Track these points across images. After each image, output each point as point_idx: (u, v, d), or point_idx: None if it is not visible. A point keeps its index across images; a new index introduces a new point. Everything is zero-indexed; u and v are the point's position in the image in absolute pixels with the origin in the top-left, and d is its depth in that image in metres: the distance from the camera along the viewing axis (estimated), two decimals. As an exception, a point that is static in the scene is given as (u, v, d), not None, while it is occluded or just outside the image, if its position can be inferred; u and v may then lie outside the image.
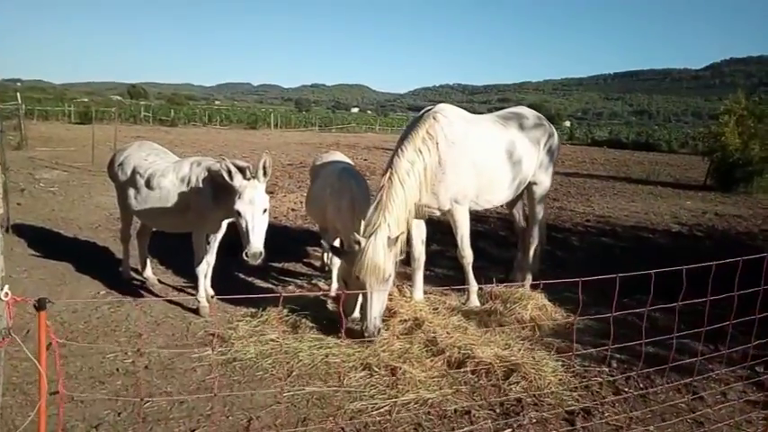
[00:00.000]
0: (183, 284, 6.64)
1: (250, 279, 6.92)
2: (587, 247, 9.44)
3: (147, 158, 5.95)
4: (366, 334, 4.88)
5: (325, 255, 7.42)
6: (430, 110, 5.62)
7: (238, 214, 4.93)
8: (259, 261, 4.92)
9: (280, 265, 7.51)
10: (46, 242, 7.99)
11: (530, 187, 6.53)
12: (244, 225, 4.90)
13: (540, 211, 6.71)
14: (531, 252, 6.77)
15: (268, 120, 62.26)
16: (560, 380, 4.53)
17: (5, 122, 14.77)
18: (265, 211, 5.00)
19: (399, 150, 5.32)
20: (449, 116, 5.56)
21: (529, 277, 6.66)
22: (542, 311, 5.75)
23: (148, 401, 3.97)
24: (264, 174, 5.03)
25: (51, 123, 45.67)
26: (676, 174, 25.47)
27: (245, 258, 4.86)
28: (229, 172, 4.97)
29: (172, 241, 7.01)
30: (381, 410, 3.99)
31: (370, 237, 4.93)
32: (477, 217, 9.96)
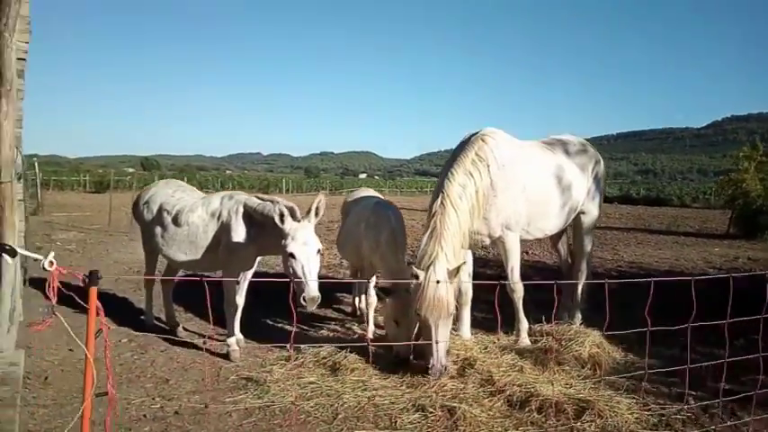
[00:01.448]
0: (211, 332, 6.22)
1: (279, 325, 6.51)
2: (623, 290, 8.97)
3: (173, 195, 5.71)
4: (431, 373, 4.47)
5: (356, 299, 7.02)
6: (476, 133, 5.38)
7: (292, 256, 4.59)
8: (314, 307, 4.57)
9: (308, 312, 7.09)
10: (64, 297, 7.62)
11: (578, 217, 6.20)
12: (299, 268, 4.57)
13: (588, 243, 6.35)
14: (580, 289, 6.34)
15: (280, 185, 62.84)
16: (637, 418, 4.05)
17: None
18: (319, 251, 4.69)
19: (449, 174, 5.04)
20: (497, 138, 5.32)
21: (578, 315, 6.21)
22: (601, 349, 5.29)
23: (182, 448, 3.53)
24: (316, 214, 4.76)
25: (66, 193, 46.13)
26: (696, 225, 25.00)
27: (303, 304, 4.50)
28: (281, 215, 4.68)
29: (197, 288, 6.65)
30: (445, 455, 3.52)
31: (428, 269, 4.59)
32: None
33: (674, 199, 49.35)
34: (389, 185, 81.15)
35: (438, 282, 4.45)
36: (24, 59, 4.95)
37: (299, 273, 4.53)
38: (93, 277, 1.77)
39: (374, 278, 5.73)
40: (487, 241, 5.46)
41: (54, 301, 1.77)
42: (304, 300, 4.47)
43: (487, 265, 10.51)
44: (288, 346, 4.87)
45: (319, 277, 4.75)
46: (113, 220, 17.45)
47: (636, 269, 11.38)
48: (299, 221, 4.67)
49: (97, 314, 1.94)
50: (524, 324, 5.57)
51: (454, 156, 5.28)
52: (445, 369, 4.51)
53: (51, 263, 1.73)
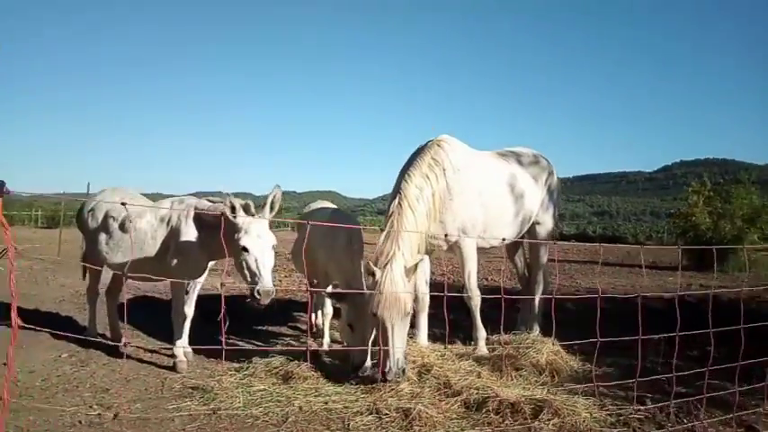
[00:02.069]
0: (158, 347, 5.93)
1: (230, 340, 6.25)
2: (582, 310, 9.04)
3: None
4: (389, 378, 4.31)
5: (313, 315, 6.84)
6: (432, 140, 5.41)
7: (245, 250, 4.39)
8: (268, 300, 4.35)
9: (264, 328, 6.87)
10: (2, 313, 7.20)
11: (533, 228, 6.25)
12: (252, 261, 4.37)
13: (543, 254, 6.38)
14: (537, 300, 6.34)
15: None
16: (594, 417, 3.99)
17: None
18: (274, 247, 4.54)
19: (406, 176, 5.03)
20: (452, 144, 5.37)
21: (536, 327, 6.18)
22: (558, 357, 5.25)
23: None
24: (271, 209, 4.62)
25: (16, 227, 44.29)
26: (650, 258, 25.62)
27: (256, 297, 4.28)
28: (233, 208, 4.51)
29: (144, 305, 6.39)
30: (398, 453, 3.37)
31: (385, 266, 4.50)
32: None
33: (629, 237, 50.71)
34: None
35: (394, 279, 4.36)
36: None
37: (253, 266, 4.35)
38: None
39: (329, 288, 5.60)
40: (444, 247, 5.43)
41: None
42: (258, 293, 4.26)
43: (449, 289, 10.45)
44: (238, 359, 4.65)
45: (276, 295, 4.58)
46: (63, 252, 16.78)
47: (593, 293, 11.49)
48: (252, 215, 4.53)
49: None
50: (482, 333, 5.51)
51: (410, 160, 5.29)
52: (403, 372, 4.37)
53: None
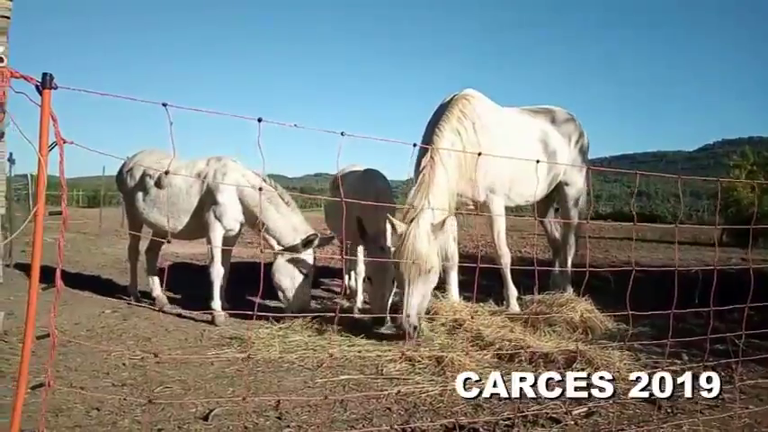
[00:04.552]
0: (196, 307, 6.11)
1: (265, 301, 6.38)
2: (618, 279, 8.92)
3: (158, 162, 5.65)
4: (401, 331, 4.32)
5: (346, 277, 6.93)
6: (456, 94, 5.34)
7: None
8: None
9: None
10: (48, 276, 7.48)
11: (562, 189, 6.15)
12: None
13: (575, 215, 6.30)
14: (570, 261, 6.28)
15: (274, 203, 62.67)
16: (629, 369, 3.94)
17: (15, 204, 14.62)
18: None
19: (437, 131, 4.97)
20: (479, 98, 5.30)
21: (569, 287, 6.12)
22: (593, 315, 5.19)
23: (159, 387, 3.42)
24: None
25: (58, 208, 45.83)
26: (689, 236, 25.01)
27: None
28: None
29: (181, 272, 6.56)
30: (431, 393, 3.41)
31: (411, 222, 4.47)
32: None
33: (668, 216, 49.44)
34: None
35: (419, 235, 4.32)
36: (8, 17, 4.88)
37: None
38: (46, 78, 1.66)
39: (360, 249, 5.64)
40: (471, 205, 5.40)
41: (2, 99, 1.65)
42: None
43: (482, 260, 10.44)
44: (271, 316, 4.75)
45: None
46: (104, 227, 17.31)
47: (629, 265, 11.33)
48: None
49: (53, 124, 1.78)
50: (513, 291, 5.47)
51: (438, 115, 5.22)
52: (415, 330, 4.27)
53: (0, 58, 1.61)
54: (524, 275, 5.71)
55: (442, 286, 5.53)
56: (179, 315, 5.44)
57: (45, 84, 1.67)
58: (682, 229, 30.09)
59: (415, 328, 4.30)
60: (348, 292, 6.74)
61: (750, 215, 18.69)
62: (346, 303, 6.27)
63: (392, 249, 4.57)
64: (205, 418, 2.95)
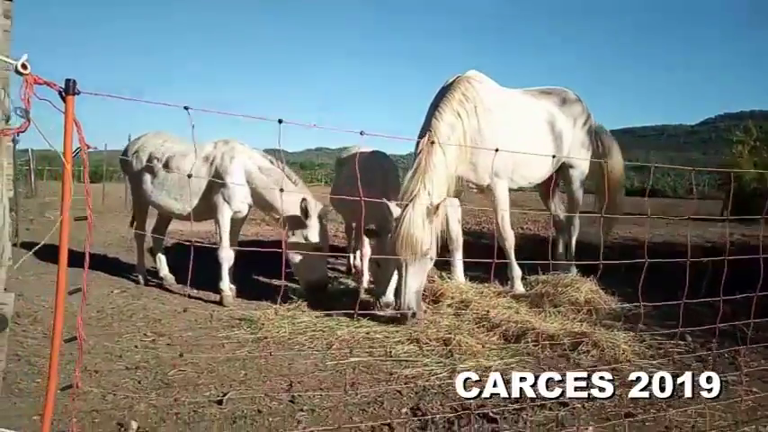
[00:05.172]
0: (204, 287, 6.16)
1: (270, 280, 6.44)
2: (620, 258, 8.95)
3: (164, 144, 5.65)
4: (399, 315, 4.38)
5: (351, 256, 6.97)
6: (459, 76, 5.29)
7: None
8: None
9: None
10: (55, 255, 7.53)
11: (566, 171, 6.16)
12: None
13: (579, 196, 6.32)
14: (573, 241, 6.33)
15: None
16: (635, 351, 4.00)
17: (17, 181, 14.60)
18: None
19: (437, 113, 4.93)
20: (482, 81, 5.25)
21: (573, 268, 6.16)
22: (597, 295, 5.24)
23: (172, 370, 3.47)
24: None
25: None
26: (691, 211, 25.04)
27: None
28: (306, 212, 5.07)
29: (187, 252, 6.57)
30: (439, 376, 3.48)
31: (407, 206, 4.50)
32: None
33: (668, 190, 49.41)
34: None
35: (413, 219, 4.34)
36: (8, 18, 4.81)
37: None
38: (69, 84, 1.67)
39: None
40: (476, 189, 5.41)
41: (28, 107, 1.66)
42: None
43: (484, 236, 10.49)
44: (279, 297, 4.80)
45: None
46: (107, 204, 17.34)
47: (631, 241, 11.37)
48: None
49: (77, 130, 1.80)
50: (517, 271, 5.51)
51: (439, 96, 5.18)
52: (413, 315, 4.33)
53: (25, 65, 1.61)
54: (528, 253, 5.79)
55: (447, 267, 5.59)
56: (188, 296, 5.49)
57: (68, 90, 1.67)
58: (684, 205, 30.19)
59: (413, 313, 4.36)
60: (354, 270, 6.79)
61: (752, 191, 18.73)
62: (352, 283, 6.32)
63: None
64: (219, 402, 3.01)
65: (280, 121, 1.95)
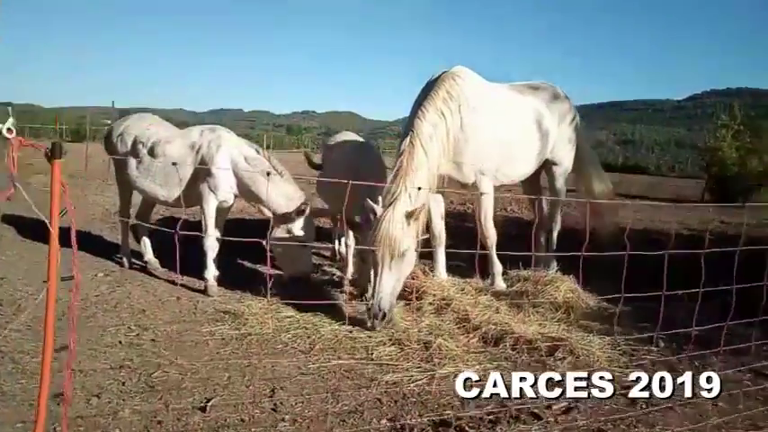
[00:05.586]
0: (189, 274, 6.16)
1: (256, 266, 6.47)
2: (598, 248, 9.08)
3: (149, 128, 5.59)
4: (368, 315, 4.43)
5: (336, 243, 7.02)
6: (445, 71, 5.24)
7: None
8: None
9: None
10: (37, 231, 7.44)
11: (550, 168, 6.21)
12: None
13: (561, 194, 6.39)
14: (555, 236, 6.43)
15: (260, 141, 62.00)
16: (608, 357, 4.13)
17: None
18: None
19: (419, 112, 4.89)
20: (467, 77, 5.20)
21: (554, 264, 6.27)
22: (575, 295, 5.35)
23: (156, 371, 3.52)
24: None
25: (43, 141, 44.47)
26: (672, 192, 25.35)
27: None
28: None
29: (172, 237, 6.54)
30: (419, 383, 3.58)
31: (388, 207, 4.52)
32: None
33: (651, 168, 49.94)
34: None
35: (393, 220, 4.36)
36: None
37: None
38: (55, 148, 1.68)
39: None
40: (460, 186, 5.45)
41: (14, 171, 1.67)
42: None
43: (467, 219, 10.56)
44: (264, 289, 4.83)
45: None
46: (90, 168, 17.08)
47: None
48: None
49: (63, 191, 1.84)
50: (498, 268, 5.59)
51: (423, 94, 5.14)
52: (383, 316, 4.32)
53: (10, 130, 1.61)
54: (510, 239, 5.88)
55: (430, 264, 5.66)
56: (172, 282, 5.51)
57: (55, 153, 1.67)
58: (664, 184, 30.53)
59: (384, 315, 4.33)
60: (338, 257, 6.84)
61: (733, 175, 19.00)
62: (337, 272, 6.38)
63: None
64: (203, 409, 3.08)
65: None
